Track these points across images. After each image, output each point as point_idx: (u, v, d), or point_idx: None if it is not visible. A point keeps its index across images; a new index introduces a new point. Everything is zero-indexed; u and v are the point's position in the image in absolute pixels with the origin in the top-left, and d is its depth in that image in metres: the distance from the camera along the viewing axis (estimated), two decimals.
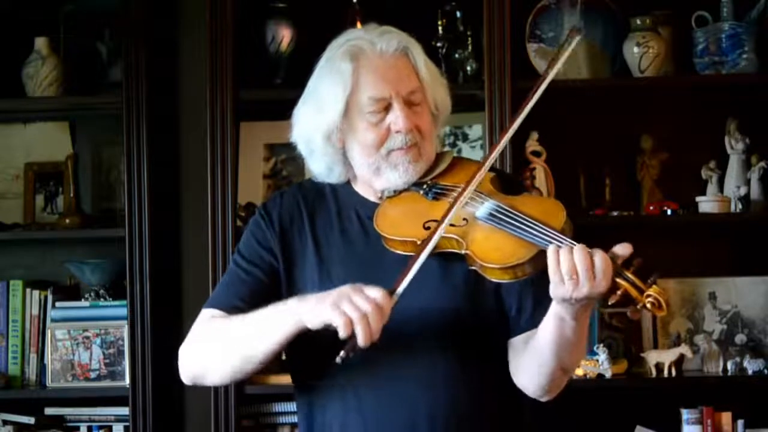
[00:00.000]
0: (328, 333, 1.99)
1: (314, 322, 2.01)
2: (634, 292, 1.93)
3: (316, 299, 2.04)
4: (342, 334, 1.97)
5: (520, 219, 2.03)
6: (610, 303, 1.96)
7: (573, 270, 1.92)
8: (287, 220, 2.25)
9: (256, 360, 2.13)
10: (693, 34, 3.67)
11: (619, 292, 1.94)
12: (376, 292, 1.98)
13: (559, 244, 1.96)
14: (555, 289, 1.96)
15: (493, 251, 2.03)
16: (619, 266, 1.94)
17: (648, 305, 1.92)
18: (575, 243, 1.96)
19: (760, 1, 3.63)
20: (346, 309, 1.97)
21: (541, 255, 1.97)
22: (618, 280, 1.93)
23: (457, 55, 3.64)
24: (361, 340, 1.96)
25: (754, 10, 3.63)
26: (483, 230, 2.07)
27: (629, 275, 1.93)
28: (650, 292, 1.92)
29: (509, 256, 2.01)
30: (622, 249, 1.96)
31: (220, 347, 2.17)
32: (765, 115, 3.69)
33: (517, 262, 2.00)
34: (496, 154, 2.18)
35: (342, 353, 1.98)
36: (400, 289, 2.01)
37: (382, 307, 1.97)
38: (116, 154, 3.81)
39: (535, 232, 2.00)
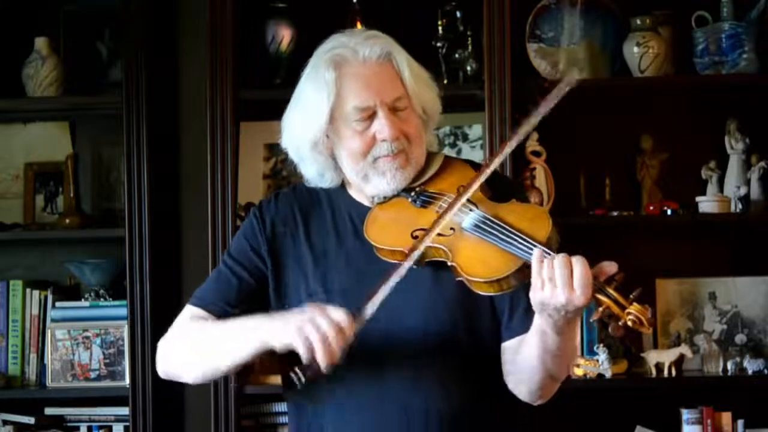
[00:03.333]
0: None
1: (278, 344, 2.03)
2: (616, 309, 1.93)
3: (281, 319, 2.05)
4: (303, 357, 1.98)
5: (504, 231, 2.03)
6: (592, 320, 1.96)
7: (552, 276, 1.92)
8: (280, 224, 2.25)
9: (225, 369, 2.16)
10: (693, 34, 3.67)
11: (600, 309, 1.94)
12: (338, 315, 1.99)
13: (544, 256, 1.95)
14: (533, 294, 1.96)
15: (479, 264, 2.03)
16: (601, 282, 1.93)
17: (629, 323, 1.92)
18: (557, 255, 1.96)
19: (760, 1, 3.63)
20: (308, 332, 1.98)
21: (526, 268, 1.98)
22: (600, 296, 1.93)
23: (457, 55, 3.64)
24: (322, 364, 1.97)
25: (754, 10, 3.63)
26: (469, 241, 2.07)
27: (611, 292, 1.93)
28: (631, 309, 1.92)
29: (494, 270, 2.01)
30: (607, 266, 1.95)
31: (193, 352, 2.20)
32: (765, 115, 3.69)
33: (501, 276, 2.00)
34: (489, 171, 2.15)
35: (301, 377, 1.99)
36: (368, 311, 2.01)
37: (344, 330, 1.98)
38: (116, 154, 3.81)
39: (519, 245, 2.00)
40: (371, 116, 2.16)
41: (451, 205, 2.10)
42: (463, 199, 2.10)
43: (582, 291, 1.91)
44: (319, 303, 2.05)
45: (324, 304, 2.02)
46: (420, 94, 2.21)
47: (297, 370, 1.99)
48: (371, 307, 2.01)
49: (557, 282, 1.92)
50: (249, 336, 2.09)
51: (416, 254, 2.05)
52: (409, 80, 2.19)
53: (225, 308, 2.21)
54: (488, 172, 2.14)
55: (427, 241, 2.06)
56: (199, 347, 2.18)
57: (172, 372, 2.24)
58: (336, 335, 1.97)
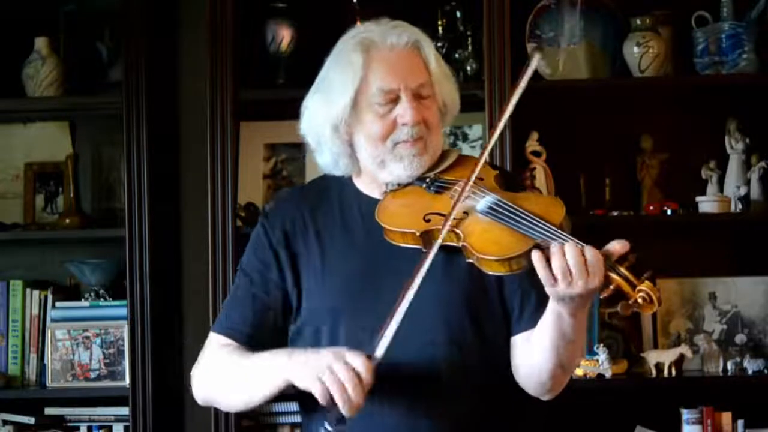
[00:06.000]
0: None
1: (299, 386, 2.07)
2: (626, 287, 1.94)
3: (302, 361, 2.07)
4: (322, 403, 2.01)
5: (518, 213, 2.05)
6: (602, 297, 1.97)
7: (566, 268, 1.93)
8: (290, 225, 2.27)
9: (256, 401, 2.18)
10: (693, 34, 3.67)
11: (611, 287, 1.95)
12: (357, 361, 2.00)
13: (554, 238, 1.97)
14: (549, 288, 1.97)
15: (490, 244, 2.04)
16: (612, 262, 1.95)
17: (639, 300, 1.93)
18: (572, 238, 1.97)
19: (760, 1, 3.63)
20: (326, 381, 2.00)
21: (537, 248, 1.99)
22: (611, 275, 1.95)
23: (457, 55, 3.64)
24: (345, 412, 2.00)
25: (754, 10, 3.63)
26: (481, 223, 2.08)
27: (622, 270, 1.94)
28: (642, 287, 1.93)
29: (505, 248, 2.02)
30: (619, 245, 1.97)
31: (224, 386, 2.23)
32: (765, 115, 3.69)
33: (512, 254, 2.01)
34: (490, 146, 2.20)
35: (327, 425, 2.02)
36: (380, 352, 2.02)
37: (362, 377, 2.00)
38: (116, 154, 3.81)
39: (532, 226, 2.01)
40: (394, 100, 2.18)
41: (464, 185, 2.11)
42: (476, 174, 2.12)
43: (596, 274, 1.93)
44: (340, 343, 2.10)
45: (343, 349, 2.04)
46: (443, 86, 2.24)
47: (326, 424, 2.03)
48: (383, 345, 2.02)
49: (573, 273, 1.93)
50: (272, 375, 2.12)
51: (432, 255, 2.05)
52: (435, 70, 2.22)
53: (248, 331, 2.24)
54: (495, 136, 2.18)
55: (446, 228, 2.07)
56: (227, 383, 2.22)
57: (209, 401, 2.29)
58: (356, 384, 1.99)
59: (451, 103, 2.27)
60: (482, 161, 2.15)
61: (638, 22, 3.64)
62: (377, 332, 2.03)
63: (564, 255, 1.94)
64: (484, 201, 2.11)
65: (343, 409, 1.99)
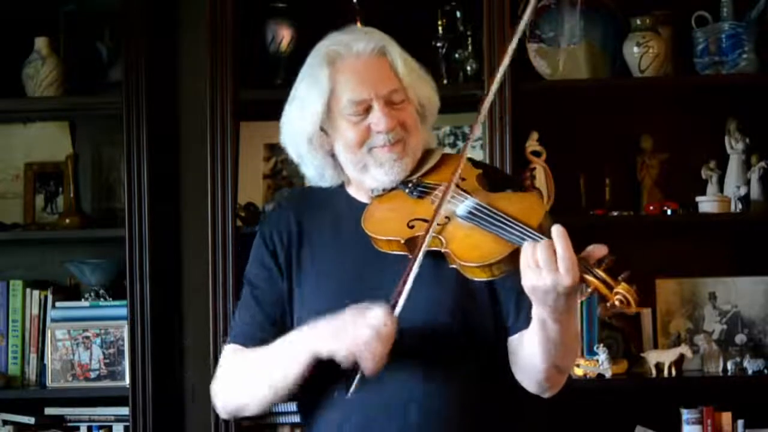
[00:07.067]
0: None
1: (323, 352, 2.05)
2: (603, 290, 1.94)
3: (323, 326, 2.07)
4: (345, 365, 2.01)
5: (497, 217, 2.04)
6: (580, 300, 1.97)
7: (535, 261, 1.93)
8: (285, 232, 2.28)
9: (286, 388, 2.16)
10: (693, 34, 3.68)
11: (589, 290, 1.95)
12: (377, 316, 2.00)
13: (534, 241, 1.97)
14: (524, 282, 1.97)
15: (471, 250, 2.04)
16: (590, 264, 1.95)
17: (616, 302, 1.94)
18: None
19: (760, 1, 3.63)
20: (348, 339, 2.00)
21: (517, 253, 1.99)
22: (588, 277, 1.94)
23: (457, 55, 3.64)
24: (367, 371, 2.00)
25: (754, 10, 3.63)
26: (462, 228, 2.09)
27: (599, 272, 1.95)
28: (619, 289, 1.93)
29: (486, 254, 2.02)
30: (596, 248, 1.97)
31: (249, 383, 2.21)
32: (765, 115, 3.69)
33: (492, 260, 2.01)
34: (468, 146, 2.20)
35: (352, 387, 2.03)
36: (399, 307, 2.03)
37: (383, 332, 2.00)
38: (116, 154, 3.81)
39: (511, 230, 2.01)
40: (367, 109, 2.18)
41: (445, 190, 2.11)
42: (456, 177, 2.11)
43: (567, 271, 1.92)
44: (356, 304, 2.07)
45: (363, 306, 2.04)
46: (416, 88, 2.23)
47: (347, 382, 2.04)
48: (401, 304, 2.03)
49: (541, 265, 1.93)
50: (296, 349, 2.11)
51: (428, 240, 2.06)
52: (404, 73, 2.21)
53: (262, 336, 2.23)
54: (482, 116, 2.18)
55: (432, 231, 2.07)
56: (254, 378, 2.20)
57: (236, 409, 2.26)
58: (376, 339, 1.99)
59: (428, 102, 2.26)
60: (458, 171, 2.13)
61: (638, 22, 3.64)
62: None
63: (534, 249, 1.94)
64: (464, 206, 2.10)
65: (365, 367, 1.99)
